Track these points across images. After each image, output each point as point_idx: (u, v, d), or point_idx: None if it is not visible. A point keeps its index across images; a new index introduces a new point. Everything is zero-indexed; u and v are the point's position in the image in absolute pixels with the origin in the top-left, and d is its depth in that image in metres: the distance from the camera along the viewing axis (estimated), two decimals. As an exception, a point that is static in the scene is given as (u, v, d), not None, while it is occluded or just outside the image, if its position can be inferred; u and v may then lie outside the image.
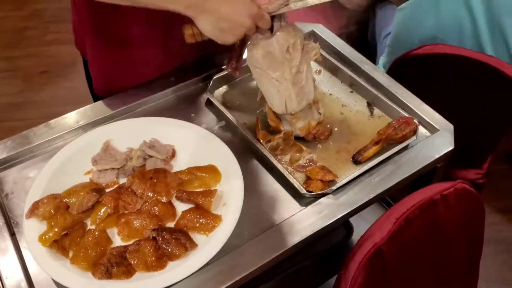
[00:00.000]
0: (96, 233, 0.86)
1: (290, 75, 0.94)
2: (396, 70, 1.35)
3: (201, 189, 0.93)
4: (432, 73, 1.29)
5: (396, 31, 1.48)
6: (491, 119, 1.34)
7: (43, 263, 0.81)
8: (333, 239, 1.30)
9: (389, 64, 1.39)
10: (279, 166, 0.96)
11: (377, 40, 1.96)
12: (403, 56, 1.31)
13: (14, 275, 0.83)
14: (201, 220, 0.86)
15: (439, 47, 1.24)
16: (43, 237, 0.84)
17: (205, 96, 1.13)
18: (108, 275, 0.80)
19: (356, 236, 1.33)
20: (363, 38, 2.17)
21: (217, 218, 0.87)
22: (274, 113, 1.02)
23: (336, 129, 1.06)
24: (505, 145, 2.22)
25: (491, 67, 1.19)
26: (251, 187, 0.96)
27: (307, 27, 1.30)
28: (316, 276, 1.28)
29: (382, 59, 1.67)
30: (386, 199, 1.37)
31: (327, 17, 2.10)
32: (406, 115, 1.05)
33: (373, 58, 1.94)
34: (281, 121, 1.03)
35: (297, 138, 1.04)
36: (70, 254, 0.84)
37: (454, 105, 1.33)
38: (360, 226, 1.31)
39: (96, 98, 1.21)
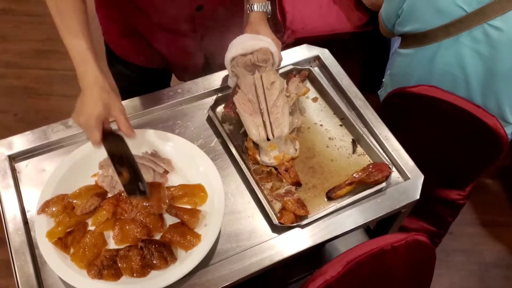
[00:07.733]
0: (94, 235, 1.01)
1: (265, 107, 1.12)
2: (391, 100, 1.43)
3: (188, 206, 1.07)
4: (423, 110, 1.37)
5: (394, 70, 1.54)
6: (472, 158, 1.43)
7: (49, 257, 0.97)
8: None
9: (387, 94, 1.47)
10: (260, 195, 1.08)
11: (392, 45, 2.02)
12: (399, 90, 1.39)
13: (25, 260, 0.99)
14: (183, 237, 1.01)
15: (433, 90, 1.31)
16: (50, 233, 1.00)
17: (206, 112, 1.24)
18: (100, 275, 0.96)
19: (329, 245, 1.48)
20: (380, 39, 2.21)
21: (197, 238, 1.01)
22: (253, 143, 1.14)
23: (317, 162, 1.18)
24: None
25: (477, 118, 1.27)
26: (233, 205, 1.10)
27: (313, 51, 1.38)
28: (288, 277, 1.44)
29: (385, 79, 1.73)
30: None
31: (348, 15, 2.14)
32: (384, 158, 1.15)
33: (385, 60, 2.00)
34: (259, 151, 1.14)
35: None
36: (71, 250, 0.99)
37: (440, 140, 1.43)
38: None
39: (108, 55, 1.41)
